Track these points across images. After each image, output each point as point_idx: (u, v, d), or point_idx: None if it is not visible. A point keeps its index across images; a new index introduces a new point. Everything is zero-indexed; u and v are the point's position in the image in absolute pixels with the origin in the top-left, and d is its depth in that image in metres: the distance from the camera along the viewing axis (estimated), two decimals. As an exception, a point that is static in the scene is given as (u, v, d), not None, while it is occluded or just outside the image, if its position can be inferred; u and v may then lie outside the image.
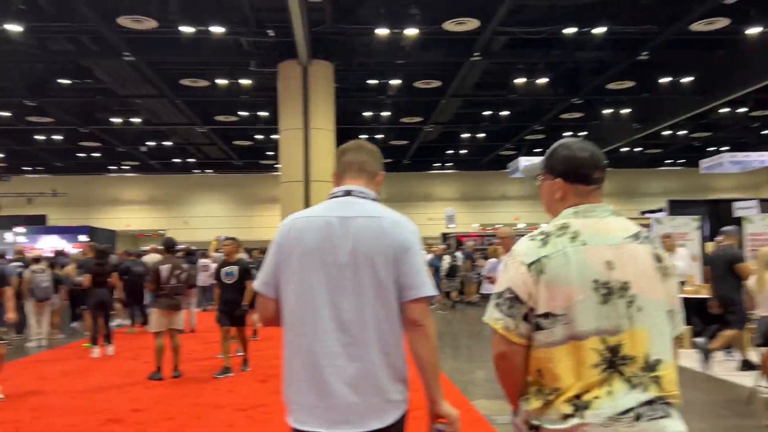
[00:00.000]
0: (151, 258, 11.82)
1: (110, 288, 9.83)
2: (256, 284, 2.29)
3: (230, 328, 7.84)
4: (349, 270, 2.12)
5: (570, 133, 27.22)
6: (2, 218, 28.41)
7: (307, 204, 18.10)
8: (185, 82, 19.87)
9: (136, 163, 31.85)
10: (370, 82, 20.84)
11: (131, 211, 33.11)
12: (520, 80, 20.25)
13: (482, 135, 27.50)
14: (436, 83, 20.30)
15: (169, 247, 8.01)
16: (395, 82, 20.53)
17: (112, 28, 15.11)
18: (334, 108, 18.98)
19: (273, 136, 26.77)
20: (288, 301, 2.20)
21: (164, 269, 7.62)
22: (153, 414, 5.78)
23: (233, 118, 23.74)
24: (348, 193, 2.29)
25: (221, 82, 20.28)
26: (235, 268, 7.83)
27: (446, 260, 18.21)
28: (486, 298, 13.58)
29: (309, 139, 18.21)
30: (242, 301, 7.76)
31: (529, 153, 27.24)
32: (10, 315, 6.51)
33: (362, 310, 2.10)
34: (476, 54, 17.26)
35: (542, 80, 20.15)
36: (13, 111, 22.54)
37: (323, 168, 18.47)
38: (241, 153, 30.36)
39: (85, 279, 9.35)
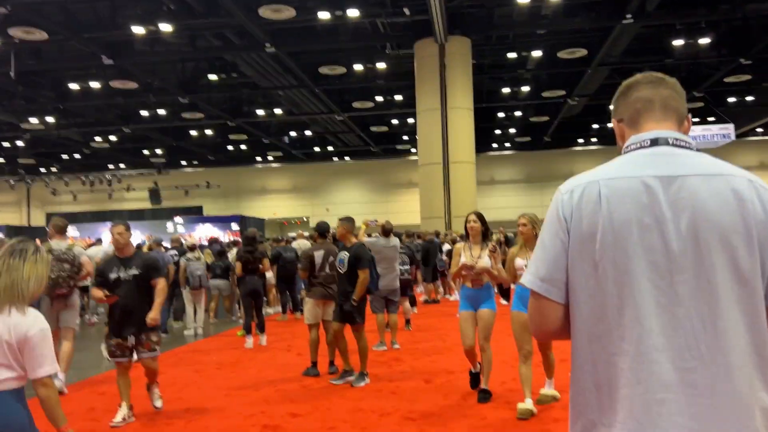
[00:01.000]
0: (300, 244, 11.41)
1: (261, 275, 9.43)
2: (529, 281, 1.50)
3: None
4: (687, 257, 1.36)
5: (734, 99, 24.06)
6: (164, 210, 30.13)
7: (447, 187, 17.13)
8: (324, 70, 19.57)
9: (280, 154, 32.55)
10: (510, 55, 19.41)
11: (277, 200, 33.95)
12: (677, 42, 17.95)
13: (631, 106, 25.05)
14: (581, 52, 18.46)
15: (322, 232, 7.29)
16: (537, 54, 18.96)
17: (254, 20, 14.97)
18: (473, 85, 17.82)
19: (409, 120, 26.16)
20: (585, 303, 1.43)
21: (318, 256, 6.93)
22: (312, 421, 5.04)
23: (369, 104, 23.26)
24: (655, 142, 1.48)
25: (358, 67, 19.79)
26: (345, 255, 6.25)
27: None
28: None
29: (447, 119, 17.20)
30: (353, 294, 6.14)
31: (687, 123, 24.38)
32: (153, 314, 5.14)
33: (714, 319, 1.35)
34: (628, 16, 15.33)
35: (704, 41, 17.70)
36: (168, 109, 23.55)
37: (462, 148, 17.40)
38: (377, 139, 30.03)
39: (237, 267, 9.01)
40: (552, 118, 25.83)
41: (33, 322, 2.51)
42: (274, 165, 34.68)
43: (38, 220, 33.55)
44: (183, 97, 21.09)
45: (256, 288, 8.94)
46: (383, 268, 7.64)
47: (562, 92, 22.26)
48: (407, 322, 9.91)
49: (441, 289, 14.27)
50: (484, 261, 5.25)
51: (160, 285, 5.27)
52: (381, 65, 19.69)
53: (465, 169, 17.23)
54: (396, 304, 8.47)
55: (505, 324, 5.64)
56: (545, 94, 22.39)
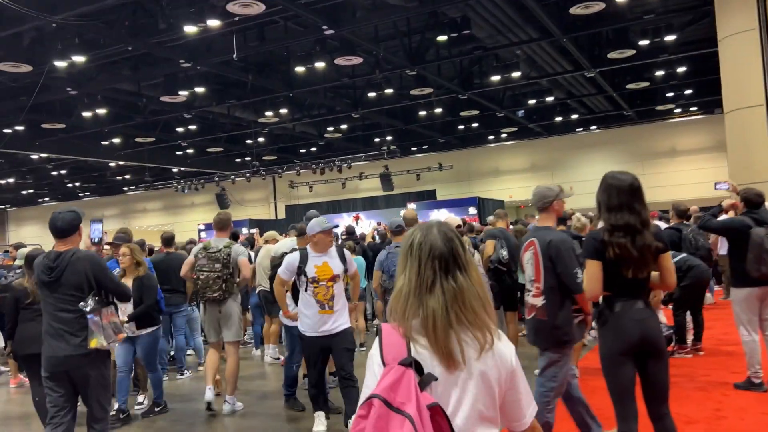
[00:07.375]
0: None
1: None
2: None
3: None
4: None
5: None
6: (397, 196, 28.02)
7: (775, 137, 11.69)
8: (576, 9, 15.10)
9: (514, 129, 28.55)
10: None
11: (511, 181, 30.00)
12: None
13: None
14: None
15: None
16: None
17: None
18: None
19: (679, 69, 20.44)
20: None
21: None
22: None
23: (630, 52, 18.11)
24: None
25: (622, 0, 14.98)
26: None
27: None
28: None
29: (769, 42, 11.75)
30: None
31: None
32: None
33: None
34: None
35: None
36: (395, 87, 21.00)
37: (797, 82, 11.79)
38: (631, 100, 24.50)
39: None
40: None
41: (508, 346, 1.74)
42: (508, 143, 30.73)
43: (281, 213, 33.89)
44: (411, 70, 18.24)
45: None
46: None
47: None
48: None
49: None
50: None
51: None
52: (654, -9, 14.70)
53: (805, 110, 11.62)
54: None
55: None
56: None
